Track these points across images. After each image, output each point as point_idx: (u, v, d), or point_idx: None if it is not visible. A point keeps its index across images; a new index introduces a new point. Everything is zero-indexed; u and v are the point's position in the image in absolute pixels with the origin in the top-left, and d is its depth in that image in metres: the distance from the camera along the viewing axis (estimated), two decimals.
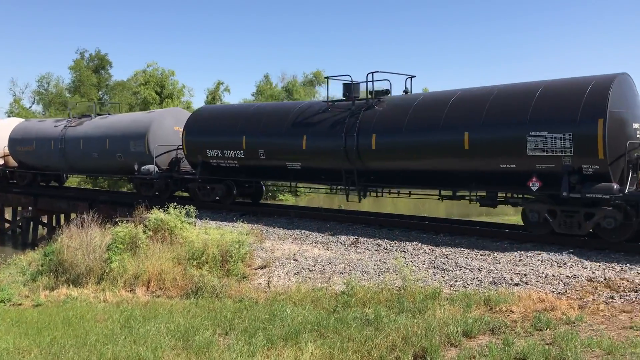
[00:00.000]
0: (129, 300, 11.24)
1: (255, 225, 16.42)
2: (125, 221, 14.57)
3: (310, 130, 17.02)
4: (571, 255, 11.85)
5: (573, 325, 7.85)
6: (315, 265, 12.53)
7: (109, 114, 27.27)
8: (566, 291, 9.70)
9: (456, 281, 10.78)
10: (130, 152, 22.61)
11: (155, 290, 11.97)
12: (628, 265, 10.89)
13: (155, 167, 21.54)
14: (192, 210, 14.75)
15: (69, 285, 12.85)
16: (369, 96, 16.61)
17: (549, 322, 7.85)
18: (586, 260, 11.38)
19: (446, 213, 29.36)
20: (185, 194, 22.45)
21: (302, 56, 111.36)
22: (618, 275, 10.28)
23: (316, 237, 15.06)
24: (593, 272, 10.57)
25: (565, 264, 11.25)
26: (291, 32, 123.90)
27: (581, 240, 12.65)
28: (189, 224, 14.53)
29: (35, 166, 28.53)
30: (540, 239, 13.11)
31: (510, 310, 8.77)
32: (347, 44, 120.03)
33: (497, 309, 8.86)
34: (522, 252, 12.28)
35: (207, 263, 12.21)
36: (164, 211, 14.55)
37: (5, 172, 30.72)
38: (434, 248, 13.12)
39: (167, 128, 22.63)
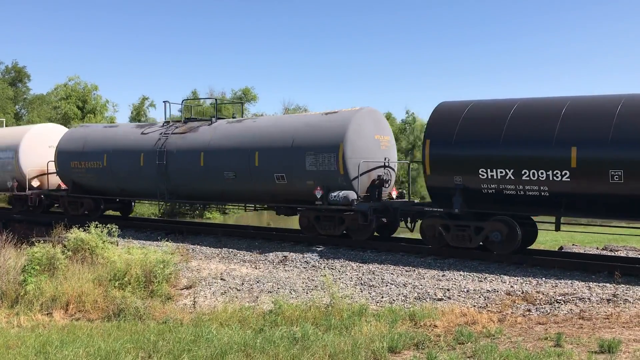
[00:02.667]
0: (46, 325, 10.69)
1: (181, 244, 16.08)
2: (42, 241, 13.93)
3: None
4: (491, 270, 12.31)
5: (493, 338, 8.12)
6: (242, 284, 12.40)
7: (245, 117, 19.42)
8: (487, 305, 10.06)
9: (382, 297, 10.95)
10: (306, 171, 15.69)
11: (75, 313, 11.46)
12: (544, 278, 11.43)
13: (355, 193, 15.10)
14: (114, 229, 14.29)
15: None
16: None
17: (470, 336, 8.09)
18: (505, 274, 11.86)
19: None
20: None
21: (230, 73, 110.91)
22: (534, 289, 10.76)
23: (244, 256, 14.92)
24: (512, 286, 11.02)
25: (485, 278, 11.68)
26: (218, 48, 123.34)
27: (501, 255, 13.18)
28: (111, 243, 14.07)
29: (104, 189, 20.68)
30: (461, 255, 13.54)
31: (434, 325, 8.98)
32: (276, 62, 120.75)
33: (422, 324, 9.06)
34: (446, 268, 12.65)
35: (130, 284, 11.83)
36: (85, 230, 14.03)
37: (40, 198, 22.45)
38: (361, 265, 13.29)
39: (367, 136, 15.83)
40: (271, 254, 14.84)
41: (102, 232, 13.95)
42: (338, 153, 15.13)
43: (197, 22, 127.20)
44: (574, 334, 8.04)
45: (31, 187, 22.35)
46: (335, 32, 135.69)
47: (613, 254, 15.01)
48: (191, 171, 17.86)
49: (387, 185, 16.04)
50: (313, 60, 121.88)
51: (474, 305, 10.05)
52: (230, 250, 15.63)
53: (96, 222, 14.37)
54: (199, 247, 16.13)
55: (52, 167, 22.26)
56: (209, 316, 10.14)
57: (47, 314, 11.46)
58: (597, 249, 16.29)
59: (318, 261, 13.81)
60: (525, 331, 8.43)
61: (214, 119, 18.84)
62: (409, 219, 14.95)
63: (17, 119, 53.23)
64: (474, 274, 12.03)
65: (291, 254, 14.71)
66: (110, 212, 22.96)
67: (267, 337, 8.52)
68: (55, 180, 22.68)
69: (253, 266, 13.93)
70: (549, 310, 9.49)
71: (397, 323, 9.05)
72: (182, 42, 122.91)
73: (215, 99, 19.77)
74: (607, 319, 8.85)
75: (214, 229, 19.12)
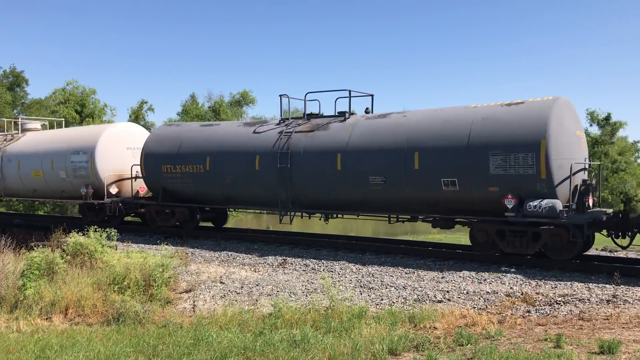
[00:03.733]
0: (45, 329, 10.68)
1: (180, 247, 16.06)
2: (41, 245, 13.90)
3: None
4: (491, 271, 12.31)
5: (493, 339, 8.12)
6: (242, 287, 12.39)
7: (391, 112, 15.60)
8: (486, 306, 10.06)
9: (382, 299, 10.94)
10: (489, 175, 12.90)
11: (74, 317, 11.43)
12: (543, 280, 11.44)
13: (560, 202, 12.36)
14: (113, 233, 14.27)
15: None
16: None
17: (470, 337, 8.09)
18: (504, 276, 11.85)
19: (373, 232, 29.82)
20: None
21: (227, 76, 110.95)
22: (534, 290, 10.76)
23: (243, 259, 14.91)
24: (511, 288, 11.02)
25: (485, 280, 11.67)
26: (216, 52, 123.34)
27: (499, 257, 13.17)
28: (110, 247, 14.05)
29: (204, 197, 18.18)
30: (462, 257, 13.56)
31: (434, 327, 8.98)
32: (274, 65, 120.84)
33: (422, 326, 9.05)
34: (445, 269, 12.65)
35: (129, 288, 11.81)
36: (84, 234, 14.01)
37: (118, 207, 19.91)
38: (360, 267, 13.28)
39: (569, 132, 13.17)
40: (270, 257, 14.84)
41: (101, 236, 13.93)
42: (539, 153, 12.29)
43: (194, 26, 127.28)
44: (573, 335, 8.04)
45: (109, 195, 19.94)
46: (331, 35, 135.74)
47: (612, 255, 15.01)
48: (324, 176, 15.18)
49: (592, 192, 13.59)
50: (310, 63, 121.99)
51: (474, 307, 10.04)
52: (230, 253, 15.62)
53: (95, 226, 14.33)
54: (198, 250, 16.11)
55: (130, 172, 20.44)
56: (209, 320, 10.12)
57: (47, 318, 11.43)
58: (596, 249, 16.29)
59: (317, 264, 13.81)
60: (525, 332, 8.43)
61: (347, 114, 16.02)
62: (618, 235, 12.78)
63: (16, 124, 53.15)
64: (474, 275, 12.03)
65: (290, 257, 14.70)
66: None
67: (267, 340, 8.51)
68: (128, 187, 20.70)
69: (252, 269, 13.92)
70: (548, 312, 9.48)
71: (396, 325, 9.04)
72: (179, 45, 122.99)
73: (349, 91, 16.16)
74: (607, 319, 8.85)
75: (213, 232, 19.11)
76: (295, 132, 16.11)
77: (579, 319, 8.96)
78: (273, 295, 11.60)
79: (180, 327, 9.87)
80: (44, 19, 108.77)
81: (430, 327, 8.98)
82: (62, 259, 12.96)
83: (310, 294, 11.40)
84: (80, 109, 48.59)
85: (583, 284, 10.96)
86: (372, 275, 12.53)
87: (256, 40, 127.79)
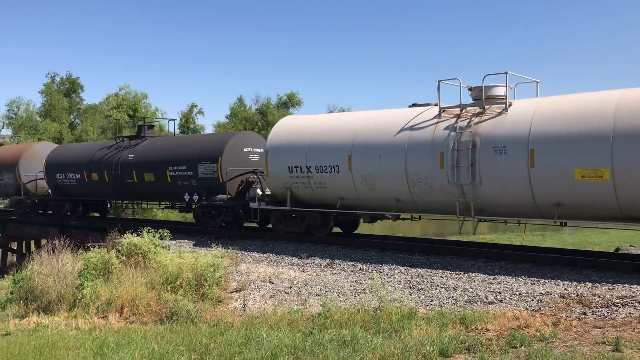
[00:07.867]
0: (102, 327, 11.03)
1: (230, 248, 16.29)
2: (97, 246, 14.36)
3: None
4: (544, 272, 12.01)
5: (547, 341, 7.92)
6: (291, 287, 12.47)
7: None
8: (540, 308, 9.82)
9: (432, 300, 10.82)
10: None
11: (129, 316, 11.77)
12: (600, 281, 11.07)
13: None
14: (166, 234, 14.60)
15: (39, 313, 12.57)
16: None
17: (523, 340, 7.92)
18: (558, 277, 11.54)
19: (421, 233, 29.53)
20: None
21: (275, 78, 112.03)
22: (590, 292, 10.44)
23: (292, 259, 15.00)
24: (566, 289, 10.72)
25: (538, 281, 11.39)
26: (264, 54, 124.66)
27: (554, 257, 12.84)
28: (163, 248, 14.38)
29: None
30: (514, 257, 13.26)
31: (486, 329, 8.82)
32: (322, 66, 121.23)
33: (473, 328, 8.91)
34: (497, 270, 12.41)
35: (181, 287, 12.08)
36: (138, 235, 14.39)
37: None
38: (409, 268, 13.17)
39: None
40: (318, 257, 14.88)
41: (154, 237, 14.27)
42: None
43: (244, 28, 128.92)
44: (633, 338, 7.76)
45: None
46: (376, 33, 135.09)
47: None
48: None
49: None
50: (355, 62, 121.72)
51: (527, 309, 9.82)
52: (278, 253, 15.75)
53: (148, 227, 14.70)
54: (247, 251, 16.30)
55: None
56: (259, 319, 10.24)
57: (103, 317, 11.81)
58: None
59: (365, 264, 13.76)
60: (581, 335, 8.19)
61: None
62: None
63: (72, 129, 55.08)
64: (526, 276, 11.76)
65: (338, 257, 14.71)
66: None
67: (317, 340, 8.55)
68: None
69: (301, 269, 14.00)
70: (606, 314, 9.18)
71: (447, 326, 8.94)
72: (229, 47, 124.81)
73: None
74: None
75: (261, 232, 19.28)
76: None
77: (639, 322, 8.64)
78: (322, 295, 11.63)
79: (231, 326, 10.02)
80: (97, 27, 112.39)
81: (482, 329, 8.83)
82: (117, 259, 13.36)
83: (358, 295, 11.38)
84: (132, 113, 49.93)
85: None
86: (422, 276, 12.41)
87: (300, 41, 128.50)
